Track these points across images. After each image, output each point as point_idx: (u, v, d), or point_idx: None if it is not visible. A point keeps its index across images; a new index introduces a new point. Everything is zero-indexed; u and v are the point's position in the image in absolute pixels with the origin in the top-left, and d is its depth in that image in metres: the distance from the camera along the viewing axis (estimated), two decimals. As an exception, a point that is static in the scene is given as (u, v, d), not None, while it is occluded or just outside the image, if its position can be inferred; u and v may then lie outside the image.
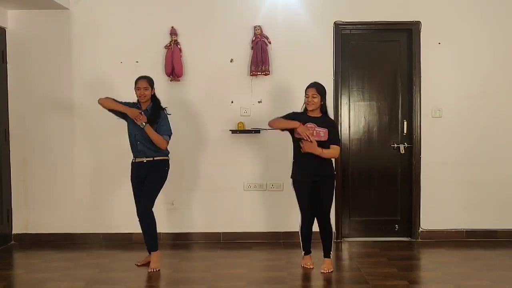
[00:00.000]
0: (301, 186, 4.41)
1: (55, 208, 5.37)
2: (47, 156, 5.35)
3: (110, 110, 4.46)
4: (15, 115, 5.36)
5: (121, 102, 4.45)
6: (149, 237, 4.48)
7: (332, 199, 4.42)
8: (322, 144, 4.28)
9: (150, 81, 4.47)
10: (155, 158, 4.45)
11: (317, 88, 4.35)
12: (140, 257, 4.74)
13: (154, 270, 4.43)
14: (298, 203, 4.46)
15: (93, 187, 5.37)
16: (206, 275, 4.36)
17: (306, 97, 4.36)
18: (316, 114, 4.36)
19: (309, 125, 4.31)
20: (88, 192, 5.38)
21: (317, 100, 4.32)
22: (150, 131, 4.35)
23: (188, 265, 4.72)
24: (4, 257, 4.97)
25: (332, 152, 4.34)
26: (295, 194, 4.46)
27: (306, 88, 4.38)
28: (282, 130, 4.45)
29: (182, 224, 5.36)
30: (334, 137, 4.36)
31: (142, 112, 4.40)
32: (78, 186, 5.37)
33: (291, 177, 4.48)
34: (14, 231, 5.41)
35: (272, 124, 4.45)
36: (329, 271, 4.37)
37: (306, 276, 4.36)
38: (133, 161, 4.51)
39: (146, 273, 4.44)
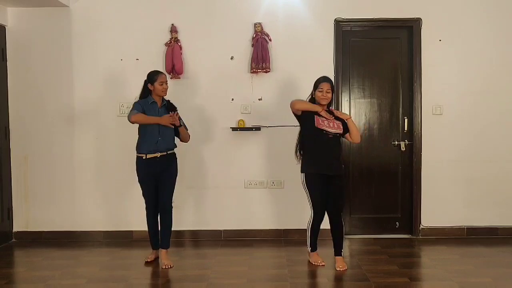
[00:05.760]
0: (314, 180, 4.31)
1: (55, 206, 5.37)
2: (47, 154, 5.35)
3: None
4: (15, 113, 5.35)
5: (139, 106, 4.38)
6: (168, 232, 4.51)
7: (345, 195, 4.36)
8: (338, 137, 4.29)
9: (166, 76, 4.56)
10: (168, 152, 4.47)
11: (331, 83, 4.36)
12: (141, 254, 4.74)
13: (169, 267, 4.44)
14: (311, 198, 4.34)
15: (94, 184, 5.37)
16: (207, 272, 4.36)
17: (319, 91, 4.30)
18: (324, 109, 4.35)
19: (327, 117, 4.34)
20: (88, 189, 5.37)
21: (330, 95, 4.31)
22: (183, 129, 4.53)
23: (189, 262, 4.72)
24: (4, 255, 4.97)
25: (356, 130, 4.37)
26: (306, 189, 4.36)
27: (320, 82, 4.32)
28: (300, 113, 4.35)
29: (182, 222, 5.35)
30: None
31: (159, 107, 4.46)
32: (78, 183, 5.37)
33: (302, 171, 4.38)
34: (14, 229, 5.41)
35: (295, 104, 4.31)
36: (344, 268, 4.36)
37: (307, 274, 4.36)
38: (144, 157, 4.42)
39: (146, 271, 4.45)
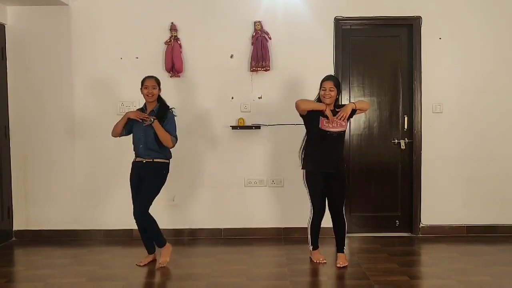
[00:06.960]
0: (314, 177, 4.35)
1: (55, 205, 5.37)
2: (47, 153, 5.35)
3: (120, 133, 4.44)
4: (15, 112, 5.35)
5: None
6: (152, 235, 4.45)
7: (345, 192, 4.35)
8: (342, 134, 4.30)
9: (157, 80, 4.44)
10: (154, 160, 4.38)
11: (334, 81, 4.32)
12: (141, 253, 4.74)
13: (163, 265, 4.42)
14: (311, 196, 4.40)
15: (93, 183, 5.37)
16: (207, 271, 4.36)
17: (322, 90, 4.30)
18: (330, 108, 4.32)
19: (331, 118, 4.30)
20: (88, 188, 5.38)
21: (334, 93, 4.28)
22: (158, 127, 4.27)
23: (189, 261, 4.72)
24: (4, 253, 4.97)
25: (362, 102, 4.37)
26: (306, 187, 4.41)
27: (323, 81, 4.33)
28: (305, 113, 4.32)
29: (182, 220, 5.36)
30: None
31: (146, 113, 4.36)
32: (78, 182, 5.37)
33: (302, 168, 4.42)
34: (14, 228, 5.41)
35: (300, 104, 4.28)
36: (345, 264, 4.38)
37: (307, 272, 4.37)
38: (134, 160, 4.47)
39: (146, 269, 4.45)
